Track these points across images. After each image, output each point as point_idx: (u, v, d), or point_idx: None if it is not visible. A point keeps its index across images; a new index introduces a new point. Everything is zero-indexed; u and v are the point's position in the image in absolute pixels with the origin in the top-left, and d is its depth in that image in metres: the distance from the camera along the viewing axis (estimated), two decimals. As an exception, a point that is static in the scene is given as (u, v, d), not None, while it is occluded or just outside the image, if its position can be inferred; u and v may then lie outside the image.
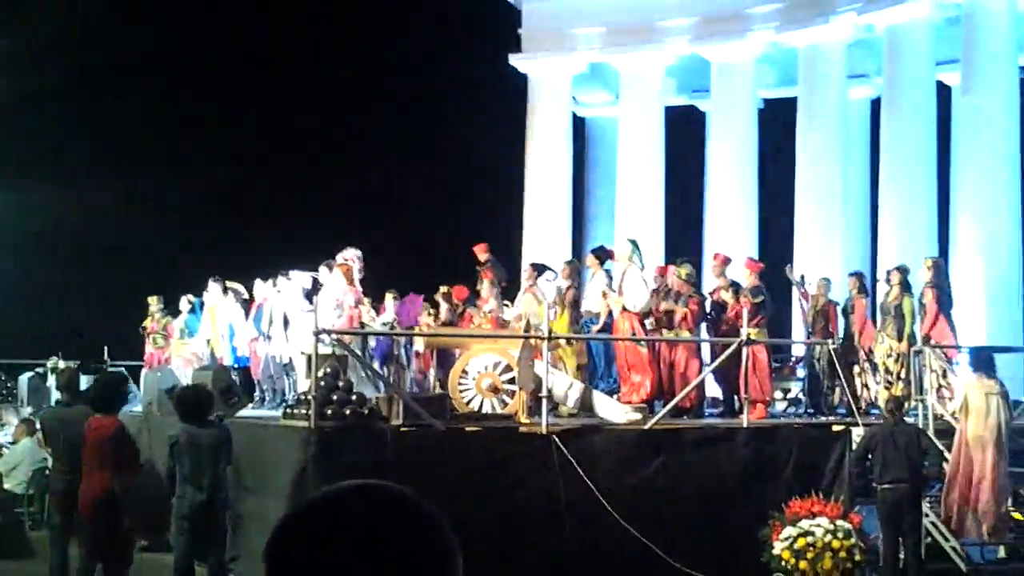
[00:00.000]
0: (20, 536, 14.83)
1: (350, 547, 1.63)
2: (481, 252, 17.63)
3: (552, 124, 28.12)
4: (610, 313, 15.69)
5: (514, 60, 28.40)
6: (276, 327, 17.28)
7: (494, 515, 12.06)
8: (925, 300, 15.68)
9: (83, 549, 9.68)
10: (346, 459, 11.67)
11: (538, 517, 12.31)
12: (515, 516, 12.20)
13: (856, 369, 16.18)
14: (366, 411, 12.49)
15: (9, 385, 20.97)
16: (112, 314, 22.74)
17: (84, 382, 14.79)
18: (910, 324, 15.54)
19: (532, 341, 13.62)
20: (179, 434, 10.55)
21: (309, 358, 13.03)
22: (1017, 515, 13.59)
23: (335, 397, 12.42)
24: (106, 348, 19.39)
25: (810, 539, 12.22)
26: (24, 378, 20.01)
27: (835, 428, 14.05)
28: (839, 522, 12.37)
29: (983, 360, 13.70)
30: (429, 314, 17.56)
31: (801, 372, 16.84)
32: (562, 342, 15.09)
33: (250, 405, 16.75)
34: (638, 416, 13.73)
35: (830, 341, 15.45)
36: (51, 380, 17.97)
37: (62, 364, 16.98)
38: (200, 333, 18.27)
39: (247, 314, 18.16)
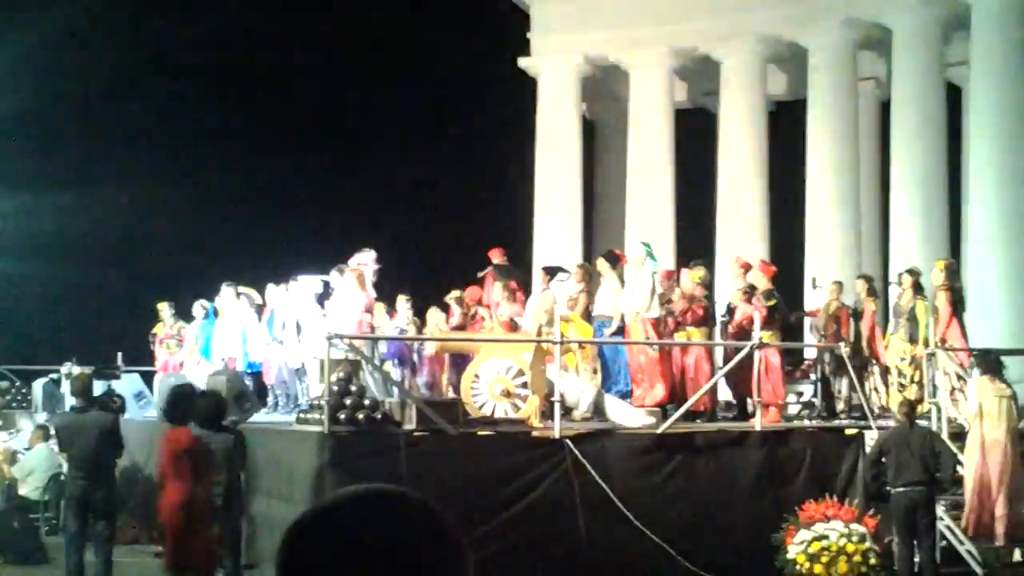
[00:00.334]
0: (36, 542, 14.87)
1: (361, 551, 1.64)
2: (495, 256, 17.66)
3: (561, 126, 28.09)
4: (623, 317, 15.69)
5: (523, 62, 28.39)
6: (288, 332, 17.30)
7: (507, 520, 12.08)
8: (939, 303, 15.62)
9: (165, 560, 9.71)
10: (359, 464, 11.69)
11: (551, 521, 12.32)
12: (528, 520, 12.21)
13: (870, 372, 16.16)
14: (379, 416, 12.51)
15: (24, 391, 21.01)
16: (126, 319, 22.78)
17: (98, 388, 14.87)
18: (924, 327, 15.51)
19: (544, 345, 13.63)
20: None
21: (322, 363, 13.05)
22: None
23: (348, 402, 12.44)
24: (120, 354, 19.43)
25: (824, 543, 12.22)
26: (39, 384, 20.05)
27: (849, 432, 14.04)
28: (854, 526, 12.37)
29: (992, 362, 13.67)
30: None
31: (814, 376, 16.80)
32: (575, 347, 15.09)
33: (263, 410, 16.78)
34: (651, 420, 13.73)
35: (842, 344, 15.42)
36: (65, 386, 18.01)
37: (76, 370, 17.00)
38: (215, 349, 18.27)
39: (259, 319, 18.19)
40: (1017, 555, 13.51)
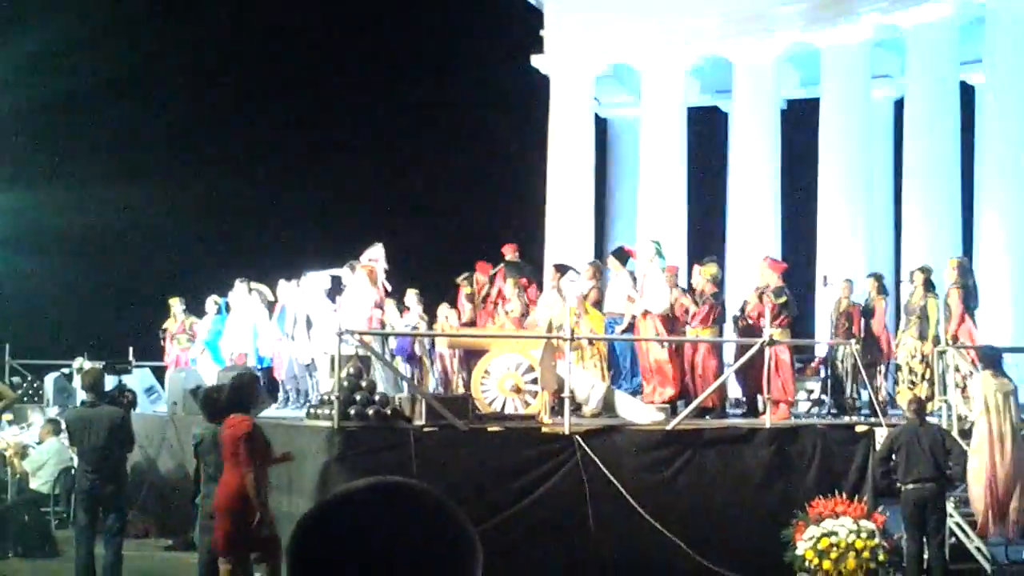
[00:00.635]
0: (46, 535, 14.93)
1: (370, 543, 1.64)
2: (508, 252, 17.70)
3: (574, 125, 28.08)
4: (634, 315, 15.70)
5: (536, 61, 28.39)
6: (299, 328, 17.34)
7: (516, 514, 12.09)
8: (951, 301, 15.59)
9: (218, 544, 9.72)
10: (369, 459, 11.72)
11: (561, 516, 12.33)
12: (537, 515, 12.22)
13: (880, 369, 16.13)
14: (389, 411, 12.53)
15: (35, 386, 21.09)
16: (137, 315, 22.86)
17: (109, 383, 14.91)
18: (935, 325, 15.48)
19: (555, 341, 13.64)
20: (203, 434, 10.62)
21: (332, 358, 13.07)
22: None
23: (358, 397, 12.46)
24: (131, 348, 19.50)
25: (833, 539, 12.20)
26: (50, 378, 20.14)
27: (859, 428, 14.01)
28: (863, 522, 12.34)
29: (995, 358, 13.64)
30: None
31: (824, 372, 16.78)
32: (585, 343, 15.10)
33: (274, 406, 16.82)
34: (661, 416, 13.73)
35: (853, 341, 15.40)
36: (76, 381, 18.08)
37: (87, 365, 17.06)
38: (226, 345, 18.32)
39: (271, 315, 18.23)
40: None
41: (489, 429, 12.78)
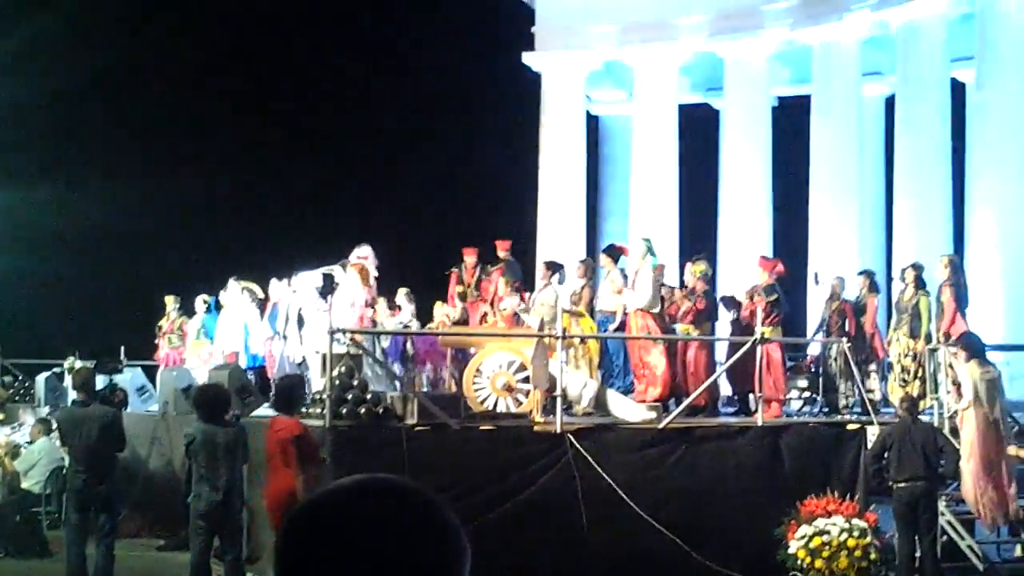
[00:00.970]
0: (38, 535, 14.89)
1: (358, 540, 1.63)
2: (502, 249, 17.73)
3: (566, 122, 28.10)
4: (625, 311, 15.70)
5: (527, 58, 28.39)
6: (291, 326, 17.31)
7: (509, 513, 12.09)
8: (943, 298, 15.59)
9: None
10: (360, 458, 11.70)
11: (553, 514, 12.33)
12: (530, 514, 12.22)
13: (872, 367, 16.14)
14: (381, 410, 12.51)
15: (27, 385, 21.05)
16: (128, 314, 22.82)
17: (100, 382, 14.88)
18: (926, 322, 15.49)
19: (546, 340, 13.63)
20: (195, 433, 10.59)
21: (324, 357, 13.06)
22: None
23: (350, 396, 12.45)
24: (122, 348, 19.46)
25: (825, 538, 12.21)
26: (41, 378, 20.08)
27: (850, 427, 14.03)
28: (855, 521, 12.36)
29: (977, 346, 13.66)
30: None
31: (816, 371, 16.78)
32: (577, 342, 15.09)
33: (265, 404, 16.78)
34: (652, 415, 13.72)
35: (844, 339, 15.41)
36: (67, 380, 18.04)
37: (78, 364, 17.03)
38: (217, 340, 18.30)
39: (262, 314, 18.20)
40: (1018, 550, 13.51)
41: (481, 428, 12.79)
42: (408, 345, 17.59)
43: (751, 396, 14.96)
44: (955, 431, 13.27)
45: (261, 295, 18.32)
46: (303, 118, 29.22)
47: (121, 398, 16.34)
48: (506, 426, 13.01)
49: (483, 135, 28.85)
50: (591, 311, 16.24)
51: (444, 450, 12.16)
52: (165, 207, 27.31)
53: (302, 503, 1.73)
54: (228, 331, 18.20)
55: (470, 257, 18.01)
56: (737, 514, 12.89)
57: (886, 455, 12.45)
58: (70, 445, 11.47)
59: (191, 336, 18.93)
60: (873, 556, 12.31)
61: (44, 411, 18.52)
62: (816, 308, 19.02)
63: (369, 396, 12.61)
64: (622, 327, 15.74)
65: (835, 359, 15.85)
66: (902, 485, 12.18)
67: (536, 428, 12.89)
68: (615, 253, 16.43)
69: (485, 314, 17.35)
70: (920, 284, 16.01)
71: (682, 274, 17.26)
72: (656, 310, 15.21)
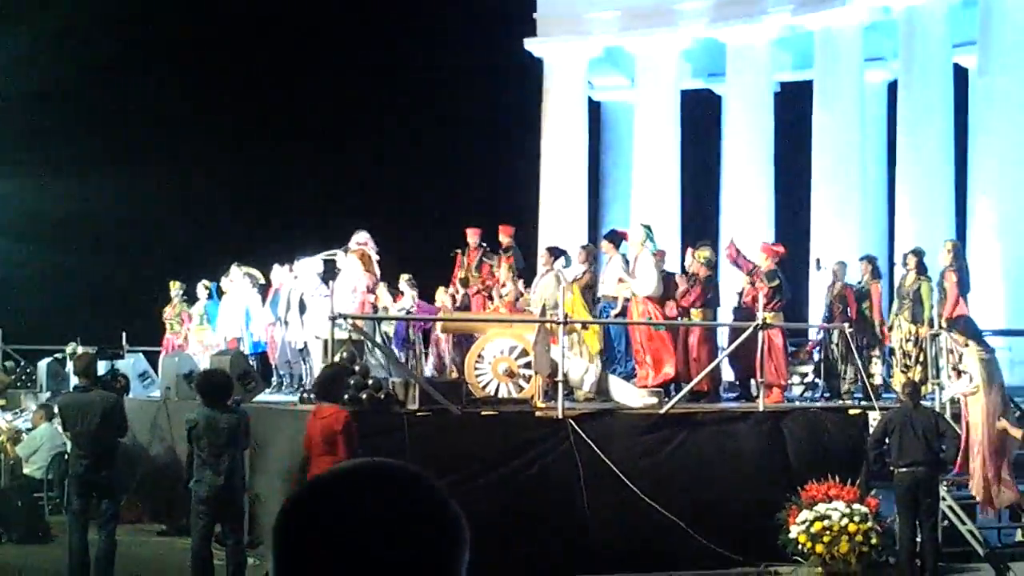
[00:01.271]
0: (39, 521, 14.93)
1: (357, 524, 1.63)
2: (506, 235, 17.70)
3: (568, 108, 28.05)
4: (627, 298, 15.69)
5: (529, 44, 28.31)
6: (293, 312, 17.32)
7: (510, 498, 12.10)
8: (946, 283, 15.57)
9: None
10: (362, 443, 11.68)
11: (555, 499, 12.35)
12: (532, 499, 12.24)
13: (874, 353, 16.13)
14: (382, 396, 12.53)
15: (28, 371, 21.07)
16: (130, 300, 22.84)
17: (102, 368, 14.89)
18: (928, 308, 15.47)
19: (548, 325, 13.63)
20: (197, 418, 10.59)
21: (325, 343, 13.06)
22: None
23: (351, 382, 12.45)
24: (124, 334, 19.47)
25: (826, 523, 12.22)
26: (43, 364, 20.10)
27: (852, 412, 14.03)
28: (856, 506, 12.36)
29: (976, 329, 13.67)
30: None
31: (817, 356, 16.79)
32: (579, 327, 15.09)
33: (267, 390, 16.82)
34: (654, 400, 13.73)
35: (846, 325, 15.40)
36: (69, 366, 18.06)
37: (80, 350, 17.03)
38: (219, 326, 18.30)
39: (264, 299, 18.21)
40: (1019, 535, 13.52)
41: (483, 413, 12.81)
42: (410, 331, 17.59)
43: (753, 382, 14.96)
44: (956, 416, 13.28)
45: (263, 280, 18.33)
46: (304, 104, 29.17)
47: (123, 384, 16.35)
48: (508, 411, 13.03)
49: (485, 122, 28.81)
50: (593, 297, 16.22)
51: (446, 435, 12.17)
52: (167, 193, 27.31)
53: (301, 487, 1.72)
54: (230, 317, 18.21)
55: (473, 237, 18.00)
56: (738, 499, 12.91)
57: (887, 440, 12.45)
58: (72, 431, 11.48)
59: (194, 322, 18.94)
60: (874, 541, 12.32)
61: (45, 397, 18.55)
62: (817, 294, 19.01)
63: (370, 382, 12.62)
64: (624, 313, 15.74)
65: (837, 344, 15.85)
66: (903, 470, 12.17)
67: (538, 414, 12.91)
68: (616, 239, 16.43)
69: (486, 299, 17.35)
70: (921, 269, 15.99)
71: (683, 259, 17.24)
72: (658, 296, 15.21)
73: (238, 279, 18.22)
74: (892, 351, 16.19)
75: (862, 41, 25.22)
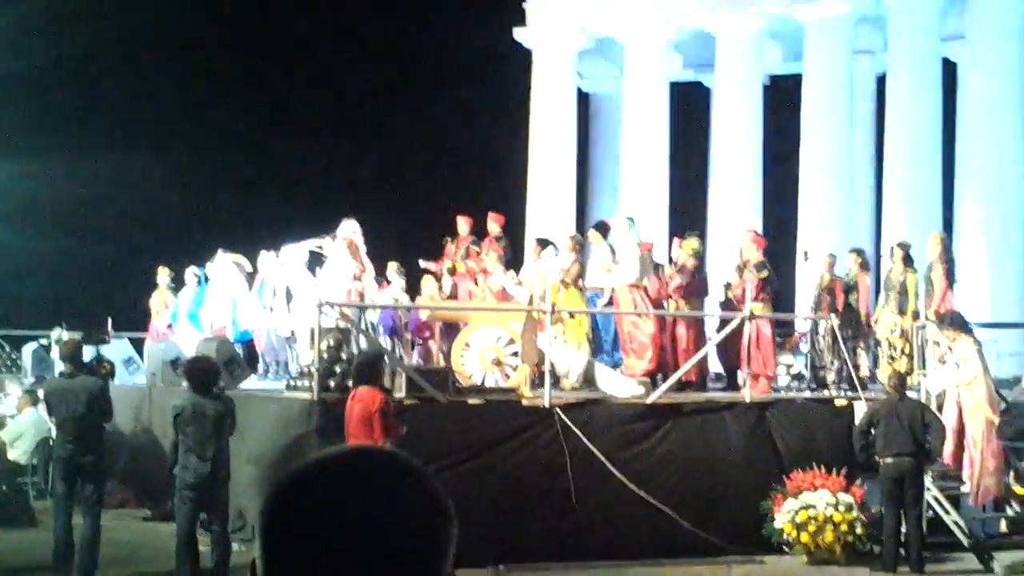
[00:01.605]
0: (24, 506, 14.89)
1: (344, 510, 1.62)
2: (496, 223, 17.67)
3: (556, 99, 28.01)
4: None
5: (518, 34, 28.27)
6: (279, 299, 17.28)
7: (496, 487, 12.12)
8: (934, 276, 15.60)
9: None
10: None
11: (542, 488, 12.36)
12: (518, 486, 12.25)
13: (861, 344, 16.17)
14: (369, 383, 12.49)
15: (14, 356, 20.99)
16: (116, 285, 22.76)
17: (87, 353, 14.84)
18: (914, 300, 15.51)
19: (535, 315, 13.63)
20: (183, 405, 10.58)
21: (312, 330, 13.04)
22: (1019, 489, 13.60)
23: (338, 369, 12.45)
24: (110, 320, 19.39)
25: (812, 512, 12.26)
26: (28, 349, 20.02)
27: (838, 403, 14.06)
28: (841, 495, 12.40)
29: (965, 322, 13.74)
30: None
31: (805, 347, 16.82)
32: (567, 317, 15.08)
33: (254, 377, 16.77)
34: (641, 390, 13.73)
35: (833, 316, 15.42)
36: (55, 351, 17.99)
37: (66, 335, 16.97)
38: (205, 314, 18.23)
39: (250, 286, 18.15)
40: (1003, 525, 13.57)
41: (469, 402, 12.79)
42: (398, 319, 17.54)
43: (740, 372, 14.98)
44: (941, 407, 13.32)
45: (249, 268, 18.26)
46: (293, 92, 29.13)
47: (108, 369, 16.30)
48: (495, 400, 13.02)
49: (474, 112, 28.77)
50: (580, 287, 16.21)
51: (432, 424, 12.15)
52: (154, 179, 27.22)
53: (288, 473, 1.71)
54: (216, 304, 18.14)
55: (464, 225, 17.96)
56: (724, 489, 12.94)
57: (873, 431, 12.50)
58: (57, 416, 11.45)
59: (182, 309, 18.86)
60: (859, 531, 12.36)
61: (30, 382, 18.48)
62: (804, 285, 19.05)
63: (357, 369, 12.59)
64: (611, 303, 15.75)
65: (823, 336, 15.87)
66: (889, 461, 12.22)
67: (524, 402, 12.90)
68: (604, 229, 16.42)
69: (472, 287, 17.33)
70: (908, 261, 16.04)
71: (670, 250, 17.24)
72: (643, 284, 15.21)
73: (224, 266, 18.15)
74: (878, 343, 16.23)
75: (852, 33, 25.25)
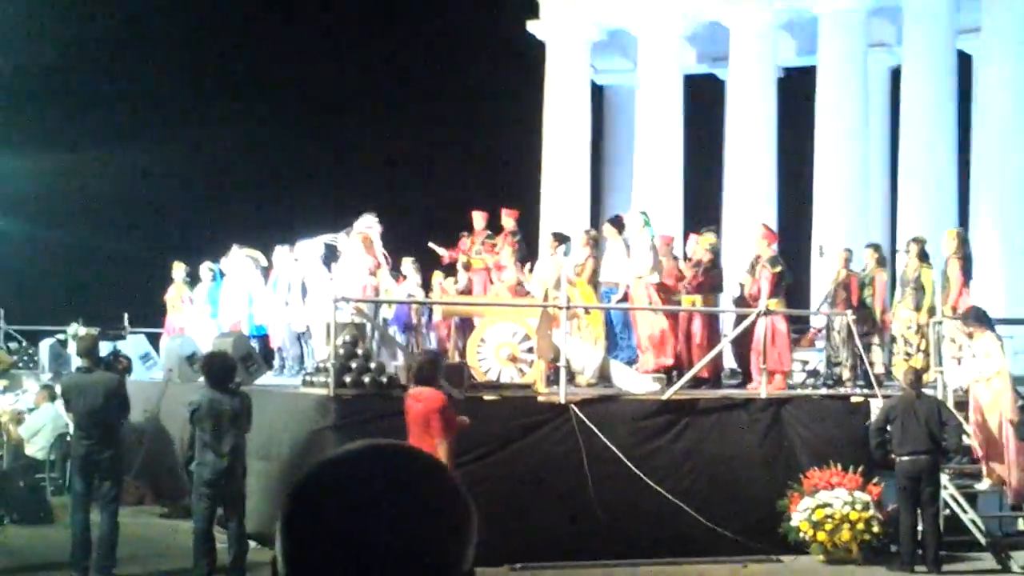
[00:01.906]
0: (42, 502, 14.94)
1: (364, 505, 1.61)
2: (511, 218, 17.66)
3: (570, 92, 27.93)
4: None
5: (532, 26, 28.20)
6: (295, 295, 17.30)
7: (513, 483, 12.12)
8: (950, 271, 15.52)
9: None
10: (363, 426, 11.71)
11: (558, 484, 12.37)
12: (535, 482, 12.26)
13: (876, 340, 16.12)
14: (385, 379, 12.53)
15: (31, 352, 21.05)
16: (133, 281, 22.81)
17: (104, 349, 14.88)
18: (930, 296, 15.44)
19: (550, 310, 13.62)
20: (200, 401, 10.60)
21: (327, 326, 13.05)
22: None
23: (354, 365, 12.47)
24: (126, 315, 19.44)
25: (828, 510, 12.24)
26: (45, 344, 20.07)
27: (854, 399, 14.03)
28: (857, 493, 12.38)
29: (987, 317, 13.69)
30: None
31: (821, 343, 16.78)
32: (582, 313, 15.08)
33: (270, 373, 16.81)
34: (656, 386, 13.72)
35: (849, 312, 15.37)
36: (72, 347, 18.05)
37: (82, 331, 17.02)
38: (221, 309, 18.27)
39: (265, 281, 18.17)
40: (1021, 524, 13.53)
41: (485, 398, 12.79)
42: (412, 315, 17.56)
43: (754, 368, 14.94)
44: (958, 404, 13.29)
45: (264, 263, 18.28)
46: (308, 86, 29.11)
47: (125, 365, 16.33)
48: (510, 396, 13.02)
49: (487, 105, 28.73)
50: (594, 282, 16.19)
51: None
52: (170, 173, 27.28)
53: (307, 470, 1.71)
54: (232, 300, 18.17)
55: (479, 221, 17.97)
56: (740, 486, 12.92)
57: (889, 428, 12.46)
58: (74, 412, 11.48)
59: (198, 304, 18.89)
60: (876, 529, 12.35)
61: (47, 378, 18.54)
62: (819, 280, 18.99)
63: (373, 365, 12.62)
64: (625, 298, 15.73)
65: (839, 331, 15.83)
66: (905, 458, 12.19)
67: (540, 398, 12.90)
68: (619, 224, 16.39)
69: (487, 282, 17.33)
70: (923, 257, 15.97)
71: (685, 245, 17.21)
72: (656, 279, 15.19)
73: (239, 260, 18.17)
74: (893, 339, 16.17)
75: (866, 26, 25.14)
